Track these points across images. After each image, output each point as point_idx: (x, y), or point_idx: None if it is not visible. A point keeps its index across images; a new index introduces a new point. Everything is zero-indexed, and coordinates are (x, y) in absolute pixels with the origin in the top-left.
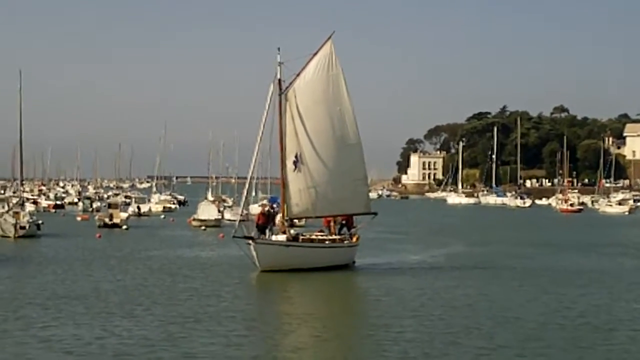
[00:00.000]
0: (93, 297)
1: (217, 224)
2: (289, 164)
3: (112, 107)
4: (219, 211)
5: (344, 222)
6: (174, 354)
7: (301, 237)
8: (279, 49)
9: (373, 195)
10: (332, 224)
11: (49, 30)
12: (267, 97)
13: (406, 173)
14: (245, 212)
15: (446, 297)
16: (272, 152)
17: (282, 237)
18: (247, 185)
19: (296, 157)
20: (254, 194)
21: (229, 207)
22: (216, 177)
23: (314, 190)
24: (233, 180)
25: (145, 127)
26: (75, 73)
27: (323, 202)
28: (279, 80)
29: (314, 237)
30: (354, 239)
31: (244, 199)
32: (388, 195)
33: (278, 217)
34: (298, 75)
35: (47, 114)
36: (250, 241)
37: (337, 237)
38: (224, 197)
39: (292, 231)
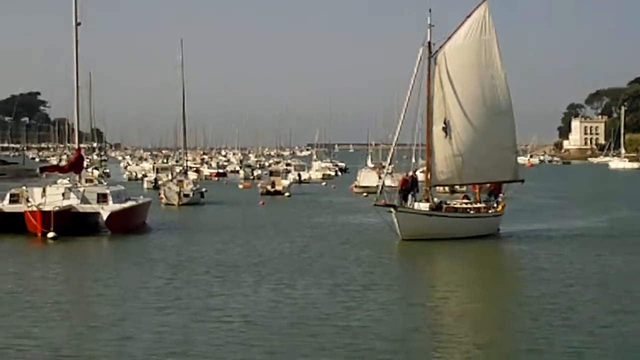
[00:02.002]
0: (261, 264)
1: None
2: (436, 130)
3: (272, 76)
4: (379, 178)
5: (492, 189)
6: (344, 322)
7: (444, 206)
8: (430, 10)
9: (534, 160)
10: (476, 191)
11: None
12: (416, 61)
13: (567, 138)
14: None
15: (609, 265)
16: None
17: (424, 206)
18: (390, 152)
19: (445, 123)
20: (413, 160)
21: (389, 173)
22: (376, 144)
23: (460, 158)
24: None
25: (307, 95)
26: (235, 43)
27: (469, 169)
28: (429, 43)
29: (457, 205)
30: (499, 208)
31: (387, 165)
32: (550, 161)
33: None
34: (449, 38)
35: (208, 84)
36: (392, 209)
37: (482, 205)
38: (384, 163)
39: (435, 199)
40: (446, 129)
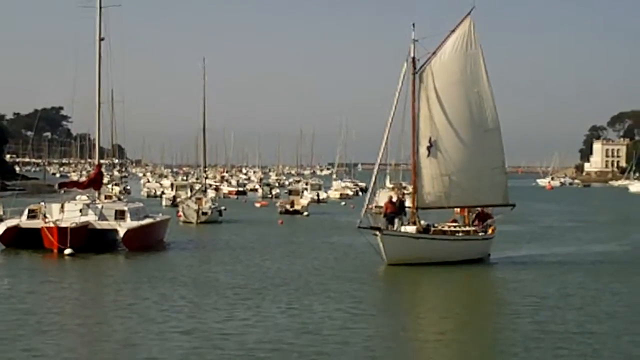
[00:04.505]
0: (273, 287)
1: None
2: (422, 150)
3: (294, 94)
4: (398, 198)
5: (479, 213)
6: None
7: (432, 229)
8: (413, 25)
9: (555, 183)
10: (466, 214)
11: (233, 16)
12: (400, 77)
13: (589, 161)
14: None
15: (611, 290)
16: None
17: (411, 229)
18: (375, 172)
19: (430, 142)
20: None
21: (409, 194)
22: (396, 164)
23: (448, 178)
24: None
25: (328, 114)
26: (258, 59)
27: (457, 191)
28: (413, 58)
29: (446, 228)
30: (490, 231)
31: (371, 186)
32: (570, 184)
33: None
34: (434, 53)
35: (231, 101)
36: (377, 232)
37: (472, 228)
38: (404, 184)
39: (422, 222)
40: (430, 149)
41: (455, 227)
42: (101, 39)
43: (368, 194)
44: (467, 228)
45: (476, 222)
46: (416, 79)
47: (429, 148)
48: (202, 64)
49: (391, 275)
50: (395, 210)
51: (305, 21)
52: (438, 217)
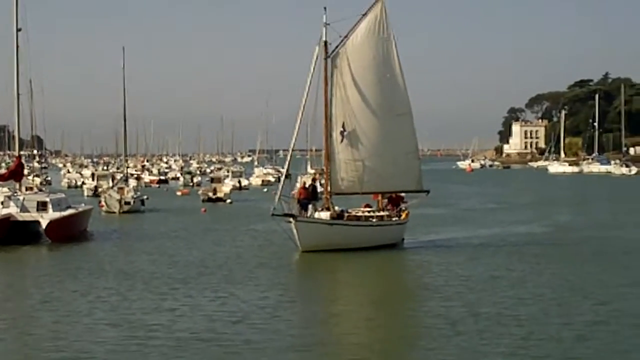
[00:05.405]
0: (196, 277)
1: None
2: (335, 135)
3: (213, 82)
4: (320, 184)
5: (391, 197)
6: (240, 337)
7: (346, 215)
8: (325, 8)
9: (475, 165)
10: (379, 198)
11: (149, 7)
12: (312, 61)
13: (508, 142)
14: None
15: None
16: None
17: (325, 215)
18: (288, 158)
19: (343, 126)
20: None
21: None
22: (316, 150)
23: (362, 163)
24: None
25: (248, 101)
26: (175, 48)
27: (371, 176)
28: (325, 42)
29: (360, 214)
30: (404, 216)
31: (285, 172)
32: (490, 165)
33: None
34: (346, 37)
35: (149, 89)
36: (291, 219)
37: (385, 214)
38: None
39: (336, 208)
40: (344, 133)
41: (369, 212)
42: (18, 30)
43: (281, 181)
44: (381, 213)
45: (389, 207)
46: (329, 63)
47: (342, 133)
48: (122, 53)
49: (312, 262)
50: (309, 197)
51: (223, 10)
52: (353, 202)
